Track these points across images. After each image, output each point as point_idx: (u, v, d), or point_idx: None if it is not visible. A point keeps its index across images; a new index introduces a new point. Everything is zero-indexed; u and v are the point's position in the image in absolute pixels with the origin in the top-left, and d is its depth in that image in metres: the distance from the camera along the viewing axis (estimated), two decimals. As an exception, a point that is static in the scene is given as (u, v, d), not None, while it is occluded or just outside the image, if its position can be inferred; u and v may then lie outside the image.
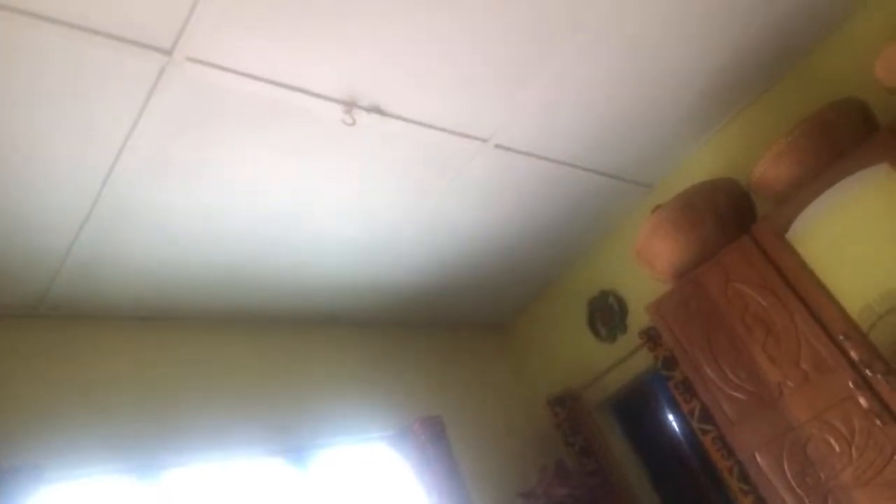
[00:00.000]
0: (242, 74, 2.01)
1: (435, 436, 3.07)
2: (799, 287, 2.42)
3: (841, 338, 2.29)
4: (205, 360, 2.87)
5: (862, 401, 2.22)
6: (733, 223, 2.66)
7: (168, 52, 1.86)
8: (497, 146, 2.74)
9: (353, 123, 2.29)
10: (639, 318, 3.33)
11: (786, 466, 2.40)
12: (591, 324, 3.70)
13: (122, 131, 2.03)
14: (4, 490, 2.04)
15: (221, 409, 2.76)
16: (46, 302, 2.49)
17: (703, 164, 3.28)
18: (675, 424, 3.66)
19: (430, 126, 2.50)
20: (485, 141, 2.69)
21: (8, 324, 2.45)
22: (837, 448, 2.28)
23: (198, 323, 2.94)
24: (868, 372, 2.22)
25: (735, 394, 2.54)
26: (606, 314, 3.63)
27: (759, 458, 2.48)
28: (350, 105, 2.25)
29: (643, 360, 3.36)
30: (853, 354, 2.25)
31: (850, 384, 2.24)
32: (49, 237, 2.26)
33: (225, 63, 1.96)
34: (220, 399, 2.79)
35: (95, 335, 2.63)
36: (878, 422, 2.18)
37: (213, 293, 2.84)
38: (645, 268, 2.90)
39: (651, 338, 3.11)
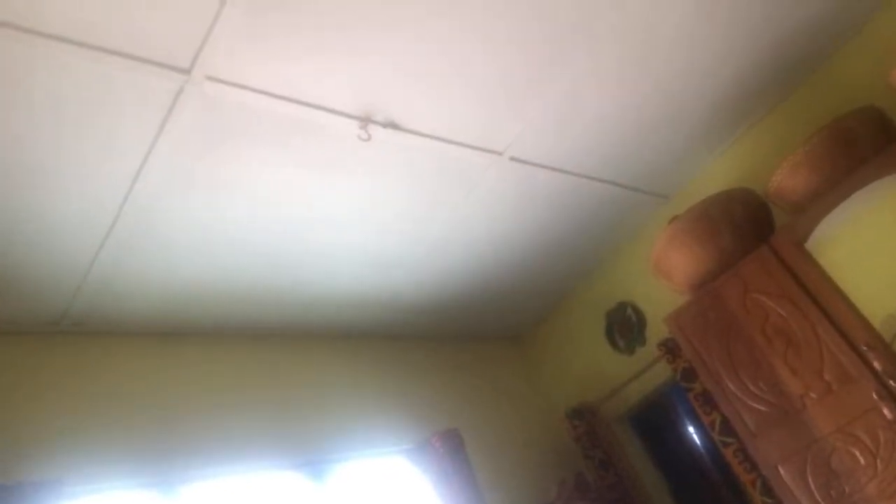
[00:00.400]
0: (259, 92, 2.04)
1: (453, 449, 3.06)
2: (820, 297, 2.40)
3: (864, 348, 2.25)
4: (224, 375, 2.88)
5: (886, 412, 2.19)
6: (751, 234, 2.64)
7: (187, 72, 1.90)
8: (512, 159, 2.74)
9: (369, 138, 2.31)
10: (657, 329, 3.31)
11: (810, 479, 2.36)
12: (609, 336, 3.68)
13: (142, 148, 2.06)
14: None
15: (240, 423, 2.77)
16: (68, 318, 2.52)
17: (719, 174, 3.26)
18: (695, 437, 3.62)
19: (445, 140, 2.52)
20: (499, 154, 2.70)
21: (30, 340, 2.48)
22: (862, 460, 2.24)
23: (218, 338, 2.96)
24: (892, 382, 2.18)
25: (756, 406, 2.51)
26: (624, 326, 3.61)
27: (782, 471, 2.44)
28: (366, 120, 2.28)
29: (662, 372, 3.33)
30: (876, 365, 2.22)
31: (874, 395, 2.21)
32: (70, 254, 2.29)
33: (242, 81, 1.99)
34: (239, 413, 2.80)
35: (117, 351, 2.66)
36: (903, 433, 2.15)
37: (233, 308, 2.87)
38: (662, 280, 2.88)
39: (670, 349, 3.08)
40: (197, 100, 1.98)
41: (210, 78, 1.94)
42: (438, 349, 3.71)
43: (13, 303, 2.37)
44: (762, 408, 2.49)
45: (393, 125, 2.35)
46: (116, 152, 2.03)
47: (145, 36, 1.78)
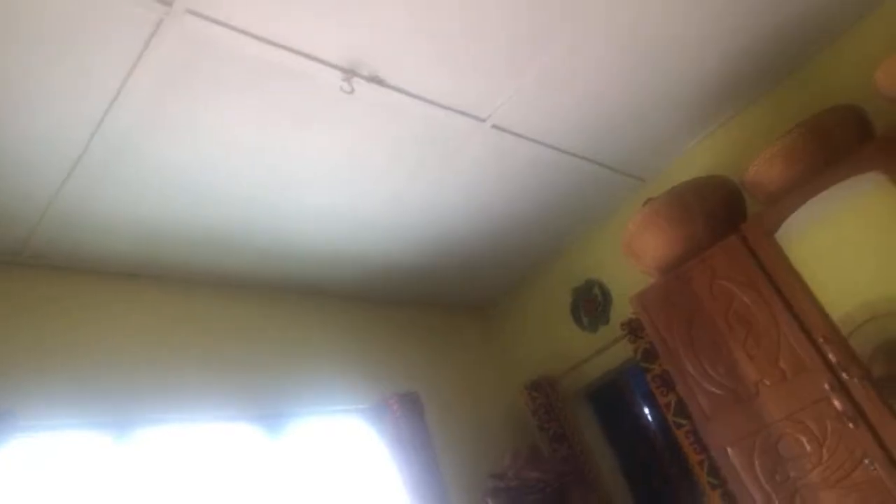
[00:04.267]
0: (241, 32, 1.97)
1: (411, 411, 3.08)
2: (783, 287, 2.44)
3: (821, 340, 2.31)
4: (186, 321, 2.84)
5: (836, 403, 2.25)
6: (724, 221, 2.67)
7: (168, 3, 1.82)
8: (494, 126, 2.72)
9: (352, 91, 2.27)
10: (622, 309, 3.35)
11: (756, 463, 2.43)
12: (575, 312, 3.72)
13: (116, 80, 1.99)
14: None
15: (199, 372, 2.75)
16: (29, 249, 2.45)
17: (697, 160, 3.28)
18: (649, 417, 3.70)
19: (429, 101, 2.48)
20: (482, 121, 2.67)
21: (-11, 267, 2.42)
22: (809, 448, 2.31)
23: (182, 283, 2.91)
24: (845, 375, 2.24)
25: (712, 389, 2.57)
26: (590, 304, 3.65)
27: (730, 454, 2.51)
28: (350, 73, 2.23)
29: (623, 352, 3.38)
30: (832, 357, 2.28)
31: (826, 386, 2.27)
32: (35, 182, 2.22)
33: (224, 18, 1.92)
34: (198, 361, 2.77)
35: (78, 287, 2.60)
36: (850, 425, 2.21)
37: (197, 253, 2.81)
38: (632, 260, 2.90)
39: (632, 330, 3.13)
40: (176, 33, 1.90)
41: (191, 11, 1.87)
42: (404, 313, 3.71)
43: (-29, 230, 2.30)
44: (718, 391, 2.55)
45: (377, 80, 2.30)
46: (90, 81, 1.95)
47: (127, -40, 1.70)
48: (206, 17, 1.90)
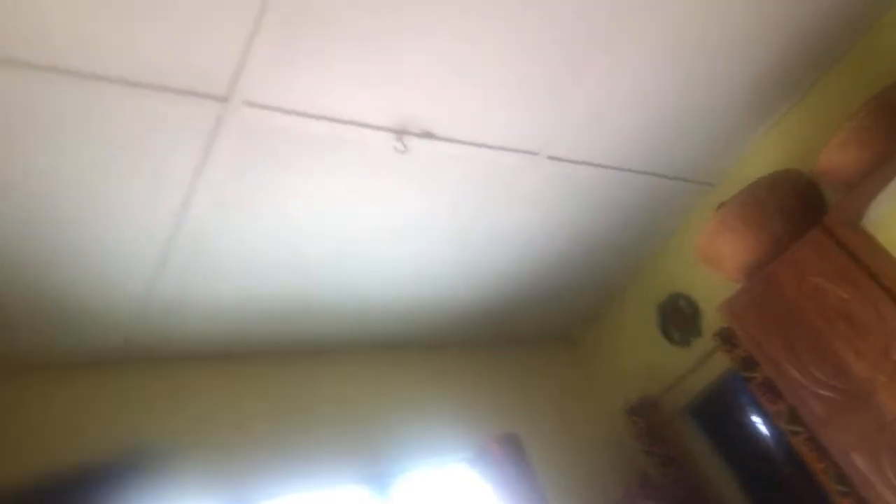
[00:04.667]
0: (295, 113, 2.08)
1: (513, 453, 3.05)
2: (881, 276, 2.31)
3: (932, 325, 2.17)
4: (286, 391, 2.96)
5: (962, 390, 2.09)
6: (802, 216, 2.56)
7: (225, 99, 1.95)
8: (549, 157, 2.73)
9: (406, 150, 2.34)
10: (712, 319, 3.24)
11: (885, 464, 2.27)
12: (664, 328, 3.62)
13: (188, 177, 2.13)
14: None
15: (305, 439, 2.84)
16: (132, 345, 2.61)
17: (764, 156, 3.17)
18: (760, 426, 3.52)
19: (481, 144, 2.52)
20: (536, 154, 2.69)
21: (97, 368, 2.59)
22: (939, 442, 2.15)
23: (277, 356, 3.03)
24: (965, 359, 2.09)
25: (823, 392, 2.43)
26: (678, 317, 3.54)
27: (855, 458, 2.35)
28: (401, 132, 2.30)
29: (721, 363, 3.25)
30: (947, 341, 2.13)
31: (948, 373, 2.12)
32: (128, 281, 2.38)
33: (278, 104, 2.04)
34: (303, 429, 2.87)
35: (181, 373, 2.75)
36: (982, 411, 2.05)
37: (288, 325, 2.93)
38: (710, 268, 2.82)
39: (726, 339, 3.01)
40: (236, 125, 2.03)
41: (248, 103, 1.99)
42: (492, 354, 3.71)
43: (77, 334, 2.48)
44: (829, 394, 2.41)
45: (428, 135, 2.36)
46: (164, 182, 2.10)
47: (185, 68, 1.84)
48: (262, 106, 2.02)
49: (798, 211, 2.57)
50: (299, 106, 2.07)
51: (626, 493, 3.16)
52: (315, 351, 3.14)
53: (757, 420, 3.51)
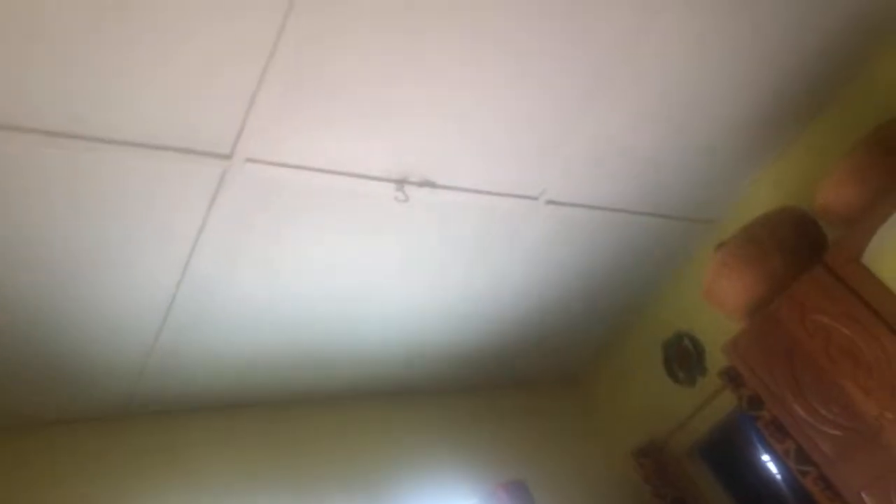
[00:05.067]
0: (296, 167, 2.12)
1: (520, 499, 3.01)
2: (883, 312, 2.30)
3: (937, 361, 2.16)
4: (290, 440, 2.94)
5: (971, 427, 2.08)
6: (802, 253, 2.57)
7: (228, 157, 1.98)
8: (549, 202, 2.76)
9: (406, 199, 2.36)
10: (717, 357, 3.21)
11: (897, 504, 2.24)
12: (668, 368, 3.60)
13: (192, 232, 2.15)
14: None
15: (310, 489, 2.81)
16: (136, 401, 2.61)
17: (765, 191, 3.19)
18: (770, 466, 3.48)
19: (481, 192, 2.55)
20: (535, 199, 2.71)
21: (101, 425, 2.58)
22: (951, 481, 2.12)
23: (282, 405, 3.02)
24: (973, 396, 2.08)
25: (830, 431, 2.41)
26: (683, 357, 3.53)
27: (866, 497, 2.32)
28: (401, 182, 2.33)
29: (727, 402, 3.22)
30: (954, 378, 2.12)
31: (956, 410, 2.11)
32: (132, 337, 2.39)
33: (280, 159, 2.07)
34: (308, 477, 2.85)
35: (187, 427, 2.74)
36: None
37: (293, 375, 2.93)
38: (716, 308, 2.82)
39: (732, 378, 3.00)
40: (239, 181, 2.06)
41: (250, 160, 2.02)
42: (496, 398, 3.69)
43: (82, 390, 2.48)
44: (837, 432, 2.39)
45: (429, 184, 2.39)
46: (167, 240, 2.12)
47: (188, 128, 1.87)
48: (264, 161, 2.06)
49: (798, 248, 2.58)
50: (300, 160, 2.11)
51: (637, 538, 3.11)
52: (319, 399, 3.13)
53: (766, 459, 3.48)
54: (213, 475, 2.64)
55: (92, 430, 2.55)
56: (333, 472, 2.92)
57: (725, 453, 3.54)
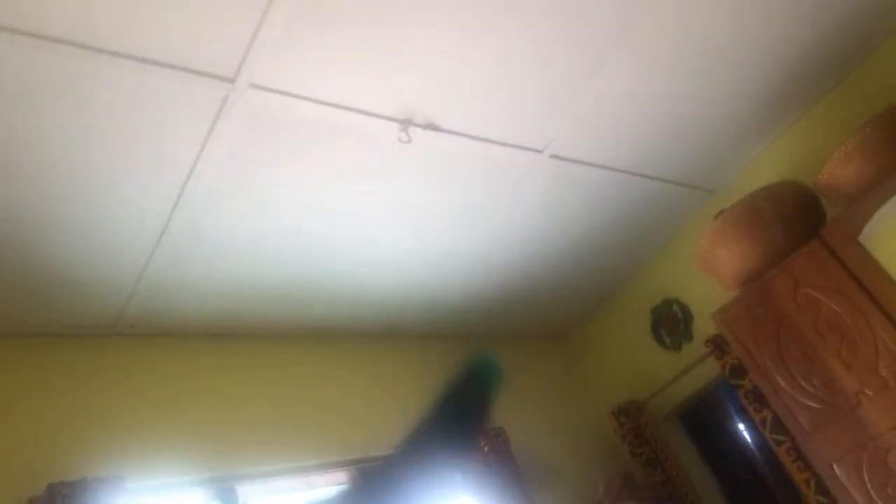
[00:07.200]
0: (301, 98, 2.08)
1: (498, 447, 3.07)
2: (874, 291, 2.32)
3: (922, 343, 2.18)
4: (276, 374, 2.95)
5: (947, 409, 2.11)
6: (801, 227, 2.57)
7: (231, 80, 1.95)
8: (553, 156, 2.73)
9: (409, 141, 2.34)
10: (704, 325, 3.25)
11: (866, 478, 2.29)
12: (655, 332, 3.63)
13: (190, 157, 2.12)
14: (91, 499, 2.15)
15: (293, 422, 2.84)
16: (124, 321, 2.61)
17: (767, 166, 3.18)
18: (745, 434, 3.54)
19: (485, 140, 2.52)
20: (540, 152, 2.69)
21: (89, 342, 2.59)
22: (921, 459, 2.17)
23: (269, 337, 3.02)
24: (953, 379, 2.11)
25: (809, 403, 2.45)
26: (670, 322, 3.56)
27: (837, 470, 2.37)
28: (406, 123, 2.30)
29: (710, 369, 3.27)
30: (936, 360, 2.15)
31: (934, 392, 2.14)
32: (124, 258, 2.38)
33: (284, 88, 2.04)
34: (291, 412, 2.87)
35: (172, 352, 2.75)
36: (965, 431, 2.07)
37: (280, 309, 2.93)
38: (708, 275, 2.83)
39: (718, 346, 3.03)
40: (241, 107, 2.03)
41: (254, 86, 1.98)
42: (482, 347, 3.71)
43: (72, 306, 2.47)
44: (815, 405, 2.43)
45: (433, 127, 2.36)
46: (166, 160, 2.10)
47: (192, 47, 1.83)
48: (268, 89, 2.02)
49: (797, 222, 2.58)
50: (305, 91, 2.07)
51: (608, 491, 3.18)
52: (306, 335, 3.14)
53: (742, 428, 3.54)
54: (194, 400, 2.66)
55: (75, 345, 2.55)
56: (311, 410, 2.94)
57: (703, 419, 3.61)
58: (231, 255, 2.54)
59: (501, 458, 3.03)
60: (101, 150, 2.00)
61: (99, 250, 2.30)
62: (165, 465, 2.44)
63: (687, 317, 3.49)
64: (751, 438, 3.54)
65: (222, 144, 2.12)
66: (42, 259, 2.24)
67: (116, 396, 2.51)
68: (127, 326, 2.64)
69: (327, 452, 2.85)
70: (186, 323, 2.77)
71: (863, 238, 2.40)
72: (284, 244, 2.59)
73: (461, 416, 1.03)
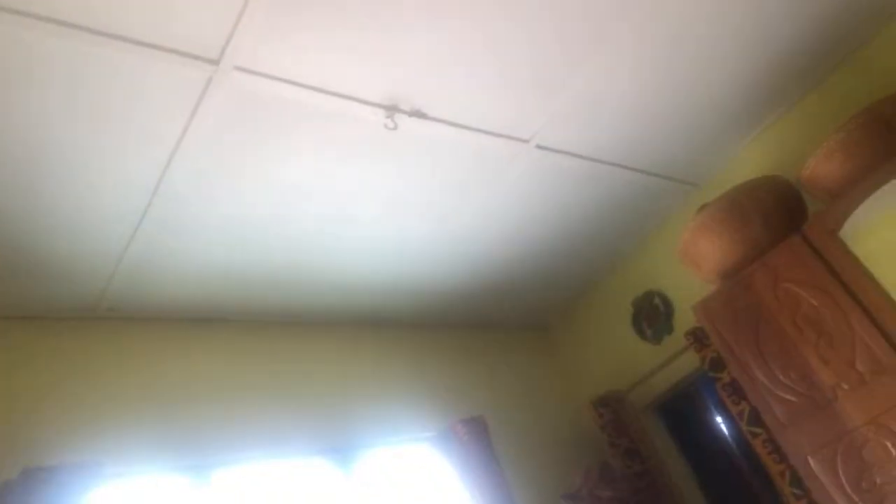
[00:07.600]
0: (286, 81, 2.06)
1: (477, 436, 3.08)
2: (853, 286, 2.35)
3: (898, 339, 2.21)
4: (254, 360, 2.94)
5: (921, 404, 2.14)
6: (783, 222, 2.59)
7: (215, 62, 1.92)
8: (538, 147, 2.73)
9: (395, 128, 2.32)
10: (685, 318, 3.28)
11: (840, 471, 2.33)
12: (636, 324, 3.66)
13: (172, 139, 2.10)
14: (66, 484, 2.12)
15: (270, 409, 2.83)
16: (103, 304, 2.58)
17: (750, 161, 3.20)
18: (723, 427, 3.59)
19: (471, 128, 2.51)
20: (526, 142, 2.68)
21: (68, 325, 2.56)
22: (895, 452, 2.20)
23: (248, 324, 3.01)
24: (927, 374, 2.14)
25: (786, 396, 2.48)
26: (651, 314, 3.58)
27: (812, 462, 2.41)
28: (392, 109, 2.28)
29: (690, 362, 3.30)
30: (911, 356, 2.18)
31: (909, 387, 2.17)
32: (105, 241, 2.35)
33: (269, 71, 2.01)
34: (269, 399, 2.86)
35: (150, 336, 2.72)
36: (938, 426, 2.10)
37: (261, 295, 2.91)
38: (690, 268, 2.85)
39: (698, 339, 3.05)
40: (225, 90, 2.00)
41: (238, 68, 1.96)
42: (464, 337, 3.72)
43: (51, 288, 2.44)
44: (792, 398, 2.46)
45: (419, 114, 2.35)
46: (148, 141, 2.07)
47: (177, 28, 1.80)
48: (252, 72, 1.99)
49: (779, 217, 2.60)
50: (289, 74, 2.05)
51: (586, 480, 3.20)
52: (289, 322, 3.13)
53: (720, 420, 3.58)
54: (170, 384, 2.64)
55: (53, 328, 2.52)
56: (295, 395, 2.93)
57: (681, 411, 3.64)
58: (212, 241, 2.51)
59: (480, 446, 3.04)
60: (87, 128, 1.96)
61: (79, 230, 2.27)
62: (141, 451, 2.43)
63: (668, 309, 3.51)
64: (728, 431, 3.58)
65: (205, 126, 2.09)
66: (20, 238, 2.21)
67: (95, 380, 2.49)
68: (107, 309, 2.61)
69: (308, 439, 2.84)
70: (167, 307, 2.74)
71: (843, 234, 2.43)
72: (266, 229, 2.57)
73: None
